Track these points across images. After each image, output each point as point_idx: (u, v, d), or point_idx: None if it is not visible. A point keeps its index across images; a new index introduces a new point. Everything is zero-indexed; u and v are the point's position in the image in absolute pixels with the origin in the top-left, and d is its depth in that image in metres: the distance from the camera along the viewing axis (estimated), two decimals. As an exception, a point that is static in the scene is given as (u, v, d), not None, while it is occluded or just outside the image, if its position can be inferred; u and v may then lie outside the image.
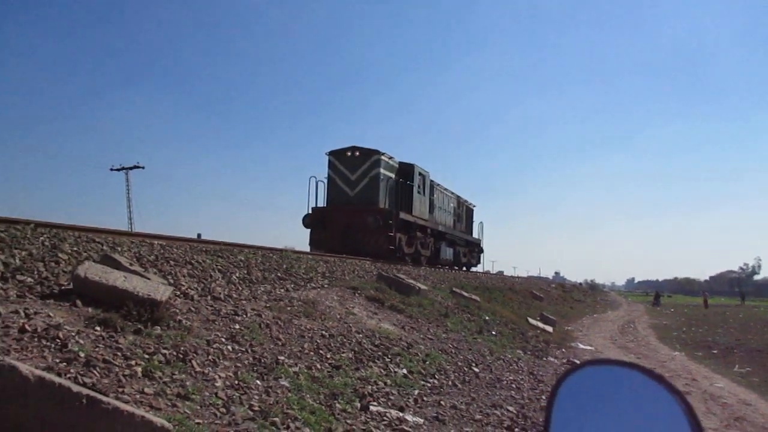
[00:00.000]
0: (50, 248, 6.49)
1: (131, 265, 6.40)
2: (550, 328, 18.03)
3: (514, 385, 8.35)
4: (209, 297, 7.11)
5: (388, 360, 7.37)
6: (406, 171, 22.49)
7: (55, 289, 5.47)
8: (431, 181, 24.77)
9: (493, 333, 12.57)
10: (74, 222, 7.99)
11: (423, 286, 13.55)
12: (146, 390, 4.16)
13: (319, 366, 6.22)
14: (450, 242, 28.38)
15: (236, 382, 5.00)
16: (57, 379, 2.97)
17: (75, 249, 6.80)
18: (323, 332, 7.41)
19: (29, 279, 5.48)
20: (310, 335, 7.10)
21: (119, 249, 7.53)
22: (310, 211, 20.64)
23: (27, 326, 4.37)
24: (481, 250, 35.80)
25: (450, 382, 7.54)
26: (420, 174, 23.21)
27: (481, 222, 36.09)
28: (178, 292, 6.72)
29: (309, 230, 20.70)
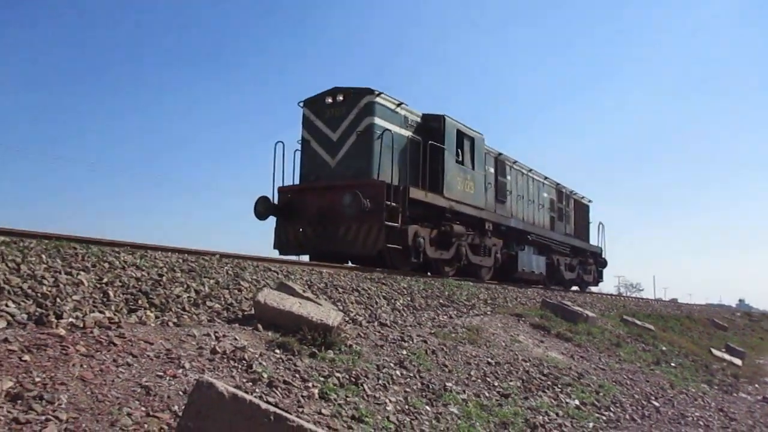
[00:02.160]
0: (233, 276, 7.03)
1: (304, 291, 6.74)
2: (738, 361, 16.28)
3: (701, 422, 7.62)
4: (376, 323, 7.29)
5: (558, 390, 7.06)
6: (432, 128, 14.14)
7: (239, 314, 5.90)
8: (502, 156, 17.31)
9: (672, 365, 11.61)
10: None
11: (591, 314, 12.89)
12: (323, 411, 4.32)
13: (487, 394, 6.11)
14: (541, 248, 19.81)
15: (406, 406, 5.04)
16: (248, 397, 3.18)
17: (254, 277, 7.31)
18: (489, 359, 7.28)
19: (217, 305, 5.95)
20: (476, 362, 7.01)
21: (292, 277, 7.98)
22: (276, 193, 13.42)
23: (217, 348, 4.74)
24: (603, 263, 26.18)
25: (627, 416, 7.05)
26: (461, 133, 14.83)
27: (600, 223, 26.26)
28: (348, 318, 6.96)
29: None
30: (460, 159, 14.84)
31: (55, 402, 3.23)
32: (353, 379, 5.10)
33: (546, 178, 21.18)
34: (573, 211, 23.71)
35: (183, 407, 3.44)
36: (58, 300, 4.71)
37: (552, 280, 21.21)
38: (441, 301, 9.94)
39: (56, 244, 6.05)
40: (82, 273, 5.42)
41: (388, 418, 4.67)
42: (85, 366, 3.78)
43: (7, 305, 4.34)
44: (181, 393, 3.84)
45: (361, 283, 9.11)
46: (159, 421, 3.41)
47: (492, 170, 16.82)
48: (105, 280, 5.50)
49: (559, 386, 7.20)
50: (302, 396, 4.44)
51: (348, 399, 4.69)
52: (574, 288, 23.72)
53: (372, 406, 4.75)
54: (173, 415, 3.51)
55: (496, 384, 6.52)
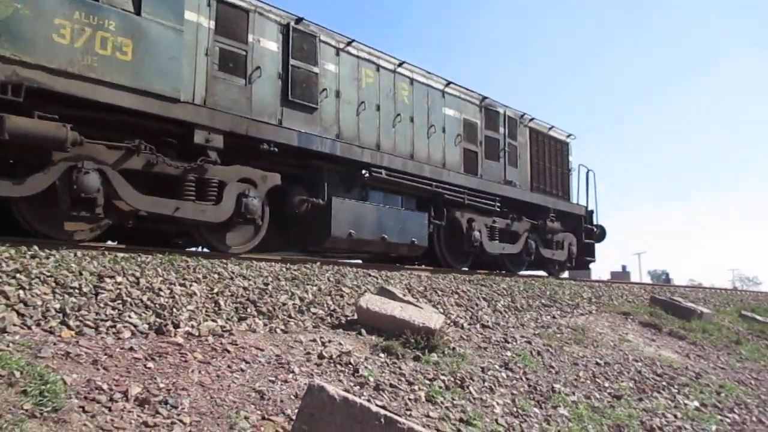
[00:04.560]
0: (335, 283, 7.18)
1: (404, 295, 6.78)
2: None
3: (838, 425, 7.01)
4: (478, 325, 7.22)
5: (674, 391, 6.71)
6: None
7: (342, 320, 6.01)
8: (302, 25, 9.38)
9: (802, 363, 10.76)
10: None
11: (705, 310, 12.17)
12: (431, 414, 4.32)
13: (597, 395, 5.90)
14: (423, 199, 11.23)
15: (514, 409, 4.95)
16: (358, 400, 3.23)
17: (355, 283, 7.43)
18: (597, 360, 7.03)
19: (320, 311, 6.10)
20: (583, 363, 6.79)
21: (392, 281, 8.05)
22: None
23: (324, 353, 4.85)
24: (594, 233, 15.55)
25: (754, 418, 6.60)
26: None
27: (590, 172, 15.70)
28: (449, 321, 6.93)
29: None
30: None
31: (179, 406, 3.42)
32: (458, 382, 5.07)
33: (449, 84, 12.08)
34: (529, 147, 14.17)
35: (296, 411, 3.54)
36: (174, 310, 4.98)
37: (457, 256, 11.92)
38: (543, 301, 9.71)
39: (170, 258, 6.40)
40: (194, 284, 5.70)
41: (496, 420, 4.60)
42: (203, 372, 3.97)
43: (130, 316, 4.64)
44: (292, 397, 3.95)
45: (461, 285, 9.05)
46: (274, 424, 3.53)
47: (270, 46, 8.86)
48: (216, 290, 5.76)
49: (676, 387, 6.84)
50: (409, 399, 4.46)
51: (455, 402, 4.67)
52: (544, 272, 14.64)
53: (479, 409, 4.70)
54: (287, 418, 3.63)
55: (606, 385, 6.28)
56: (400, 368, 4.99)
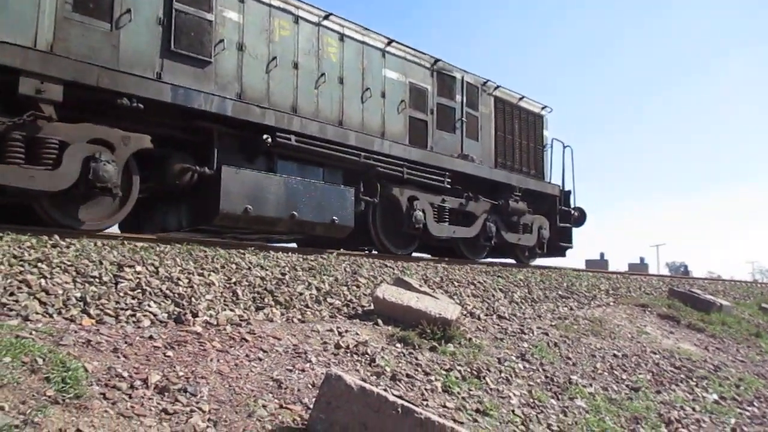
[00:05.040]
0: (351, 273, 7.19)
1: (420, 286, 6.78)
2: None
3: None
4: (494, 316, 7.21)
5: (693, 383, 6.66)
6: None
7: (358, 310, 6.03)
8: None
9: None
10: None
11: (725, 302, 12.05)
12: (447, 404, 4.33)
13: (615, 387, 5.87)
14: (352, 172, 9.51)
15: (531, 400, 4.95)
16: (375, 389, 3.24)
17: (371, 273, 7.44)
18: (615, 352, 7.00)
19: (337, 301, 6.12)
20: (601, 355, 6.76)
21: (408, 272, 8.05)
22: None
23: (341, 342, 4.87)
24: (570, 216, 13.75)
25: (774, 411, 6.53)
26: None
27: (567, 148, 13.97)
28: (465, 312, 6.93)
29: None
30: None
31: (198, 394, 3.45)
32: (475, 373, 5.07)
33: (392, 43, 10.47)
34: (494, 119, 12.55)
35: (313, 399, 3.56)
36: (193, 299, 5.03)
37: (397, 239, 10.30)
38: (560, 292, 9.67)
39: (188, 248, 6.45)
40: (212, 274, 5.74)
41: (513, 411, 4.61)
42: (221, 361, 4.01)
43: (149, 305, 4.69)
44: (309, 386, 3.98)
45: (477, 276, 9.04)
46: (291, 412, 3.55)
47: None
48: (233, 280, 5.80)
49: (694, 379, 6.80)
50: (425, 389, 4.47)
51: (471, 392, 4.67)
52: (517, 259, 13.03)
53: (496, 400, 4.70)
54: (304, 407, 3.65)
55: (624, 377, 6.25)
56: (416, 358, 5.00)
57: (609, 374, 6.22)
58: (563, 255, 14.03)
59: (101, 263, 5.18)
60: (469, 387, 4.76)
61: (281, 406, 3.61)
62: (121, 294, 4.73)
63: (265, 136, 7.98)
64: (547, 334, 6.90)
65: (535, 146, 13.70)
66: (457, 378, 4.84)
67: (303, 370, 4.21)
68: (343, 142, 9.04)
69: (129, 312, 4.48)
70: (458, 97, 11.65)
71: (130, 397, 3.23)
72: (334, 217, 8.68)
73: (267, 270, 6.40)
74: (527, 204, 12.44)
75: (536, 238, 12.83)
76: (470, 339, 5.88)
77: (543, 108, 14.06)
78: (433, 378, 4.69)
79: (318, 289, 6.26)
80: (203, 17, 7.82)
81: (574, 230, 14.08)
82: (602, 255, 39.17)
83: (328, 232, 8.82)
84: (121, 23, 7.07)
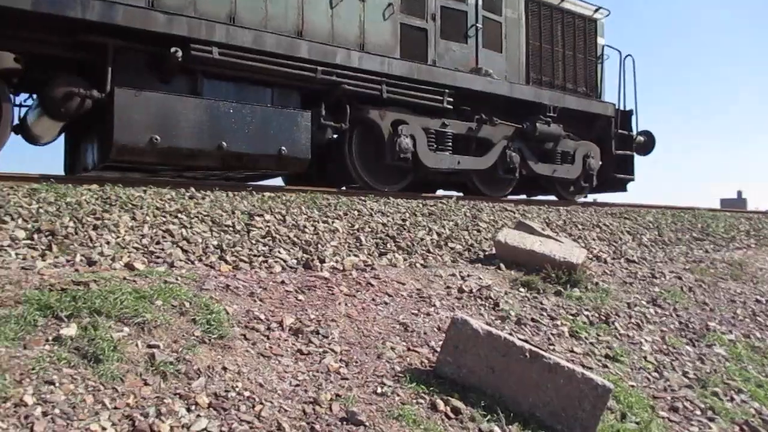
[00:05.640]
0: (471, 218, 7.15)
1: (543, 229, 6.62)
2: None
3: None
4: (622, 260, 6.92)
5: None
6: None
7: (479, 254, 6.01)
8: None
9: None
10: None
11: None
12: (575, 349, 4.26)
13: (758, 334, 5.52)
14: (318, 92, 7.75)
15: (664, 346, 4.76)
16: (502, 334, 3.23)
17: (491, 218, 7.36)
18: (758, 297, 6.54)
19: (458, 246, 6.12)
20: (741, 300, 6.34)
21: (529, 215, 7.88)
22: None
23: (464, 287, 4.89)
24: (630, 142, 11.20)
25: None
26: None
27: (627, 57, 11.26)
28: (591, 255, 6.70)
29: None
30: None
31: (329, 336, 3.61)
32: (603, 318, 4.93)
33: None
34: (525, 25, 10.11)
35: (440, 343, 3.62)
36: (319, 246, 5.21)
37: (382, 173, 8.50)
38: (694, 234, 9.11)
39: (312, 196, 6.66)
40: (336, 221, 5.91)
41: (645, 357, 4.46)
42: (349, 305, 4.15)
43: (279, 252, 4.91)
44: (435, 330, 4.04)
45: (602, 218, 8.70)
46: (419, 355, 3.63)
47: None
48: (356, 226, 5.94)
49: None
50: (552, 334, 4.41)
51: (600, 337, 4.56)
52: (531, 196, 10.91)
53: (626, 346, 4.56)
54: (431, 350, 3.72)
55: (768, 324, 5.85)
56: (541, 303, 4.93)
57: (751, 320, 5.84)
58: (623, 189, 11.61)
59: (233, 213, 5.47)
60: (597, 332, 4.64)
61: (408, 349, 3.70)
62: (253, 241, 4.99)
63: (173, 49, 6.41)
64: (680, 278, 6.55)
65: (585, 57, 11.01)
66: (584, 323, 4.73)
67: (428, 314, 4.27)
68: (291, 55, 7.22)
69: (261, 258, 4.72)
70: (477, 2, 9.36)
71: (268, 338, 3.43)
72: (282, 148, 7.09)
73: (388, 216, 6.49)
74: (566, 127, 10.14)
75: (581, 169, 10.39)
76: (597, 283, 5.71)
77: (596, 10, 11.23)
78: (559, 323, 4.62)
79: (439, 234, 6.28)
80: None
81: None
82: (740, 194, 35.60)
83: (279, 166, 7.39)
84: None
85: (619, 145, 11.04)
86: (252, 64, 6.95)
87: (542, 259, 5.60)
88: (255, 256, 4.73)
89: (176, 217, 5.08)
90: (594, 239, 7.54)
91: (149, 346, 2.98)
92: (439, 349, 3.52)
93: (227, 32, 6.82)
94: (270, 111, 7.13)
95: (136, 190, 5.56)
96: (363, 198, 7.08)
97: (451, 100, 8.63)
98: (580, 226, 7.96)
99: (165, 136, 6.35)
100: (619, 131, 11.06)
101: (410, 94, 8.26)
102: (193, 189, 6.01)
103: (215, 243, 4.75)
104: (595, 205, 10.10)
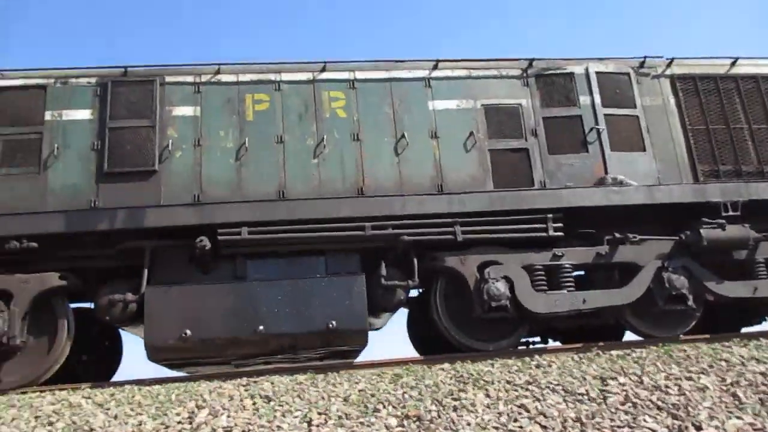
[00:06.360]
0: None
1: None
2: None
3: None
4: None
5: None
6: None
7: None
8: None
9: None
10: None
11: None
12: None
13: None
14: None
15: None
16: None
17: None
18: None
19: None
20: None
21: None
22: None
23: None
24: None
25: None
26: None
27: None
28: None
29: None
30: None
31: None
32: None
33: (439, 64, 7.93)
34: (677, 107, 8.09)
35: None
36: (689, 409, 4.59)
37: (480, 328, 6.96)
38: None
39: (666, 350, 6.05)
40: (702, 376, 5.21)
41: None
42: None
43: (644, 420, 4.44)
44: None
45: None
46: None
47: (79, 115, 7.30)
48: (728, 381, 5.14)
49: None
50: None
51: None
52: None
53: None
54: None
55: None
56: None
57: None
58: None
59: (584, 378, 5.20)
60: None
61: None
62: (613, 410, 4.62)
63: (198, 239, 6.44)
64: None
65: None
66: None
67: None
68: (331, 217, 6.77)
69: (626, 429, 4.31)
70: (584, 99, 7.97)
71: None
72: (331, 322, 6.44)
73: (765, 363, 5.52)
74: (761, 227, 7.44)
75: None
76: None
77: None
78: None
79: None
80: (140, 125, 7.12)
81: None
82: None
83: (326, 342, 6.63)
84: (49, 163, 6.92)
85: None
86: (284, 236, 6.66)
87: None
88: (619, 427, 4.35)
89: (527, 389, 5.02)
90: None
91: None
92: None
93: (256, 210, 6.69)
94: (311, 283, 6.65)
95: (483, 364, 5.70)
96: (727, 344, 6.20)
97: (560, 225, 7.08)
98: None
99: (195, 328, 6.29)
100: None
101: (495, 230, 6.97)
102: (537, 356, 5.95)
103: (573, 415, 4.51)
104: None
